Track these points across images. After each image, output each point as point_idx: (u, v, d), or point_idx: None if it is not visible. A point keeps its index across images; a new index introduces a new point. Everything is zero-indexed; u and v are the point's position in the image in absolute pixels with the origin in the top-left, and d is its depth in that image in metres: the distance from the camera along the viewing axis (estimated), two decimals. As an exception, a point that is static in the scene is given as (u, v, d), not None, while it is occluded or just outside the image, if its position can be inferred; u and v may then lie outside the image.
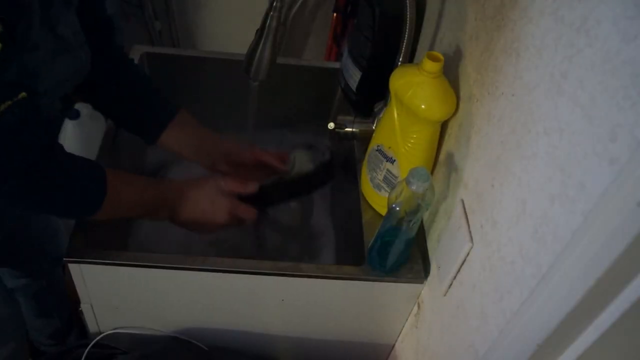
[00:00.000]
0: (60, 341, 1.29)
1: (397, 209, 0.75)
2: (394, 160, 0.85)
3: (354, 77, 0.99)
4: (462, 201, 0.75)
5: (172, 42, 1.71)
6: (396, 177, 0.86)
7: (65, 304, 1.26)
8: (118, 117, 0.93)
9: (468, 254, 0.72)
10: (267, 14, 0.80)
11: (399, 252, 0.81)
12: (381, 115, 0.90)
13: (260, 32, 0.80)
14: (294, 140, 1.23)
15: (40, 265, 1.14)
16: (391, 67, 0.84)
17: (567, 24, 0.52)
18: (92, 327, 0.93)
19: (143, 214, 0.81)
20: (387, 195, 0.78)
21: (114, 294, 0.87)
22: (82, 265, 0.81)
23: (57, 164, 0.70)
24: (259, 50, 0.80)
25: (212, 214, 0.84)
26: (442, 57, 0.75)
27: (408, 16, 0.81)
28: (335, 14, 1.58)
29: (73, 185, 0.71)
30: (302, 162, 1.03)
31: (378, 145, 0.88)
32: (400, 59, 0.86)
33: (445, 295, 0.78)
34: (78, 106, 1.53)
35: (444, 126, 0.83)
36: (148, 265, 0.81)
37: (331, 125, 0.95)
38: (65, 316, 1.28)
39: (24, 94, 0.61)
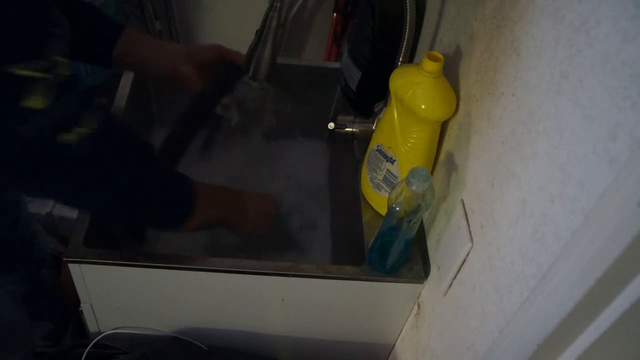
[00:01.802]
0: (55, 343, 1.29)
1: (397, 209, 0.75)
2: (394, 160, 0.85)
3: (354, 77, 0.99)
4: (462, 201, 0.75)
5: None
6: (396, 177, 0.86)
7: (56, 306, 1.25)
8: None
9: (468, 254, 0.72)
10: (267, 14, 0.80)
11: (399, 252, 0.81)
12: (381, 115, 0.90)
13: (260, 32, 0.80)
14: (294, 140, 1.24)
15: (26, 268, 1.13)
16: (391, 67, 0.84)
17: (567, 24, 0.52)
18: (92, 327, 0.93)
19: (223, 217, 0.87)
20: (387, 195, 0.78)
21: (114, 294, 0.87)
22: (82, 265, 0.81)
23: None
24: (258, 50, 0.80)
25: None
26: (442, 57, 0.75)
27: (408, 16, 0.81)
28: (335, 14, 1.58)
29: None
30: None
31: (378, 145, 0.88)
32: (400, 59, 0.85)
33: (445, 295, 0.78)
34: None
35: (444, 126, 0.83)
36: (148, 265, 0.81)
37: (331, 125, 0.95)
38: (57, 318, 1.26)
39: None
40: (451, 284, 0.76)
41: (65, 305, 1.20)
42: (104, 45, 0.89)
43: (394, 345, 1.00)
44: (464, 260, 0.73)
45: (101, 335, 0.93)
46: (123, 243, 1.05)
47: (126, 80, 1.07)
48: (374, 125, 0.93)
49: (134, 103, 1.06)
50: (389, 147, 0.85)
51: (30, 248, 1.10)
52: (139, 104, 1.11)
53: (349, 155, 1.05)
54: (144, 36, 0.91)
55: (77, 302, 0.89)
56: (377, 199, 0.92)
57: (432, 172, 0.87)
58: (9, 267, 1.09)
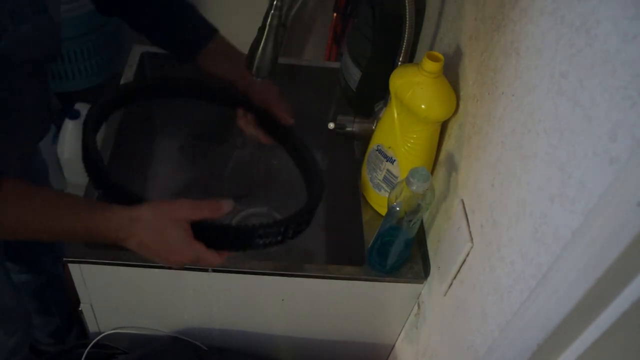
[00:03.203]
0: (60, 340, 1.30)
1: (397, 209, 0.75)
2: (394, 160, 0.85)
3: (354, 77, 0.99)
4: (462, 201, 0.75)
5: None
6: (396, 177, 0.86)
7: (64, 302, 1.26)
8: (151, 37, 0.92)
9: (468, 254, 0.72)
10: (267, 13, 0.80)
11: (399, 252, 0.81)
12: (381, 115, 0.90)
13: (261, 30, 0.80)
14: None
15: (42, 261, 1.14)
16: (391, 67, 0.84)
17: (567, 24, 0.52)
18: (92, 327, 0.93)
19: (82, 239, 0.73)
20: (387, 195, 0.78)
21: (114, 294, 0.87)
22: (82, 265, 0.81)
23: None
24: (260, 47, 0.80)
25: (167, 258, 0.69)
26: (442, 57, 0.75)
27: (408, 16, 0.81)
28: (335, 14, 1.58)
29: None
30: None
31: (378, 145, 0.88)
32: (400, 59, 0.85)
33: (445, 295, 0.78)
34: (78, 106, 1.53)
35: (444, 126, 0.83)
36: (148, 265, 0.81)
37: (331, 125, 0.95)
38: (64, 314, 1.28)
39: None
40: (451, 284, 0.76)
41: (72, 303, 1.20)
42: (191, 47, 0.89)
43: (394, 345, 1.00)
44: (464, 260, 0.73)
45: (101, 335, 0.93)
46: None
47: (126, 81, 1.07)
48: (374, 125, 0.93)
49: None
50: (389, 147, 0.85)
51: (45, 242, 1.11)
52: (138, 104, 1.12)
53: (349, 155, 1.05)
54: (231, 50, 0.91)
55: (77, 302, 0.89)
56: (377, 199, 0.92)
57: (432, 172, 0.87)
58: (28, 256, 1.10)
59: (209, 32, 0.90)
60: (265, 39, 0.79)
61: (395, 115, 0.83)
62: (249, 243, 0.73)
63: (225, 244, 0.72)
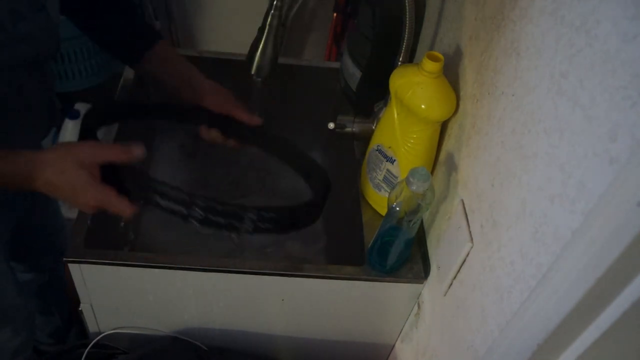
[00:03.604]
0: (60, 340, 1.30)
1: (397, 209, 0.75)
2: (394, 160, 0.85)
3: (354, 77, 0.99)
4: (462, 201, 0.75)
5: (172, 42, 1.71)
6: (396, 177, 0.86)
7: (65, 302, 1.26)
8: (97, 40, 0.94)
9: (468, 254, 0.72)
10: (267, 13, 0.80)
11: (399, 252, 0.81)
12: (381, 115, 0.90)
13: (261, 30, 0.81)
14: (294, 140, 1.24)
15: (44, 260, 1.15)
16: (391, 67, 0.84)
17: (567, 24, 0.52)
18: (92, 327, 0.93)
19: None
20: (387, 195, 0.78)
21: (114, 294, 0.87)
22: (82, 265, 0.81)
23: None
24: (260, 47, 0.80)
25: (75, 200, 0.69)
26: (442, 57, 0.75)
27: (408, 16, 0.81)
28: (335, 14, 1.58)
29: None
30: None
31: (378, 145, 0.88)
32: (400, 59, 0.86)
33: (445, 295, 0.78)
34: (78, 106, 1.54)
35: (444, 126, 0.83)
36: (148, 265, 0.81)
37: (331, 125, 0.95)
38: (65, 314, 1.28)
39: None
40: (451, 284, 0.76)
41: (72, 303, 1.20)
42: (135, 51, 0.90)
43: (394, 345, 1.00)
44: (464, 260, 0.73)
45: (101, 335, 0.93)
46: (123, 243, 1.05)
47: (126, 81, 1.07)
48: (374, 125, 0.93)
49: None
50: (389, 147, 0.85)
51: (47, 241, 1.11)
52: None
53: (349, 155, 1.05)
54: (177, 57, 0.92)
55: (77, 302, 0.89)
56: (377, 199, 0.92)
57: (432, 172, 0.87)
58: (31, 255, 1.10)
59: (153, 36, 0.91)
60: (265, 39, 0.79)
61: (395, 115, 0.83)
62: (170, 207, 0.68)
63: (145, 197, 0.69)
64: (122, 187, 0.69)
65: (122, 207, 0.69)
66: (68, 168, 0.67)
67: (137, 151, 0.69)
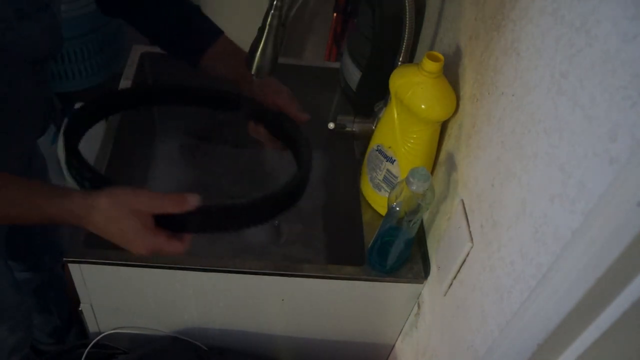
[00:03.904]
0: (59, 340, 1.30)
1: (397, 209, 0.75)
2: (394, 160, 0.85)
3: (354, 77, 0.99)
4: (462, 201, 0.75)
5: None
6: (396, 177, 0.86)
7: (64, 302, 1.26)
8: (154, 39, 0.92)
9: (468, 254, 0.72)
10: (267, 13, 0.80)
11: (399, 252, 0.81)
12: (381, 115, 0.90)
13: (261, 30, 0.80)
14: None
15: (43, 260, 1.15)
16: (391, 67, 0.84)
17: (567, 24, 0.52)
18: (92, 327, 0.93)
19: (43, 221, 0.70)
20: (387, 195, 0.78)
21: (114, 294, 0.87)
22: (82, 265, 0.81)
23: None
24: (260, 47, 0.80)
25: (126, 245, 0.68)
26: (442, 57, 0.75)
27: (408, 16, 0.81)
28: (335, 14, 1.58)
29: None
30: None
31: (378, 145, 0.88)
32: (400, 59, 0.85)
33: (445, 295, 0.78)
34: (78, 106, 1.53)
35: (444, 126, 0.83)
36: (148, 265, 0.81)
37: (331, 125, 0.95)
38: (64, 314, 1.28)
39: None
40: (451, 284, 0.76)
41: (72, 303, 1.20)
42: (195, 49, 0.89)
43: (394, 345, 1.00)
44: (464, 260, 0.73)
45: (101, 335, 0.93)
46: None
47: (126, 82, 1.07)
48: (374, 125, 0.93)
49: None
50: (389, 147, 0.85)
51: (46, 240, 1.11)
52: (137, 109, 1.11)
53: (349, 155, 1.05)
54: (238, 51, 0.90)
55: (77, 301, 0.89)
56: (377, 199, 0.92)
57: (432, 172, 0.87)
58: (30, 255, 1.10)
59: (213, 33, 0.90)
60: (265, 39, 0.79)
61: (395, 115, 0.83)
62: (222, 224, 0.71)
63: (194, 228, 0.70)
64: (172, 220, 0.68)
65: (174, 249, 0.68)
66: (121, 217, 0.65)
67: (192, 201, 0.67)
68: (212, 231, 0.72)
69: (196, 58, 0.89)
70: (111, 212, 0.65)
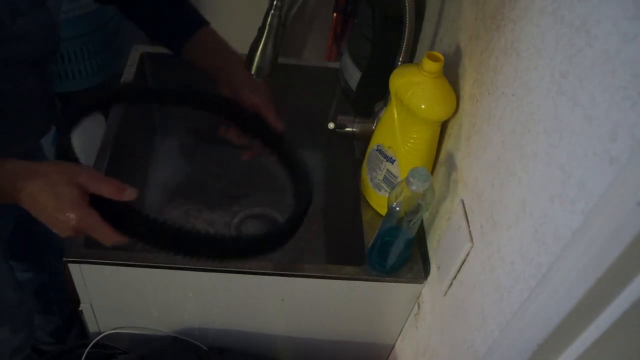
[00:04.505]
0: (60, 340, 1.30)
1: (397, 209, 0.75)
2: (394, 160, 0.85)
3: (354, 77, 0.99)
4: (462, 201, 0.75)
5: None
6: (396, 177, 0.86)
7: (65, 302, 1.26)
8: (142, 26, 0.92)
9: (468, 254, 0.72)
10: (267, 13, 0.80)
11: (399, 252, 0.81)
12: (381, 115, 0.90)
13: (261, 30, 0.80)
14: (294, 140, 1.24)
15: (44, 260, 1.15)
16: (391, 67, 0.84)
17: (567, 24, 0.52)
18: (92, 327, 0.93)
19: None
20: (387, 195, 0.78)
21: (114, 294, 0.87)
22: (82, 265, 0.81)
23: None
24: (260, 47, 0.80)
25: (56, 216, 0.64)
26: (442, 57, 0.75)
27: (408, 16, 0.81)
28: (335, 14, 1.58)
29: None
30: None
31: (378, 145, 0.88)
32: (400, 59, 0.85)
33: (445, 295, 0.78)
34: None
35: (444, 126, 0.83)
36: (148, 265, 0.81)
37: (331, 125, 0.95)
38: (65, 314, 1.28)
39: None
40: (451, 284, 0.76)
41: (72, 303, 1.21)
42: (176, 37, 0.89)
43: (394, 345, 1.00)
44: (464, 260, 0.73)
45: (101, 335, 0.93)
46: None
47: (126, 81, 1.07)
48: (374, 125, 0.93)
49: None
50: (389, 147, 0.85)
51: (47, 239, 1.11)
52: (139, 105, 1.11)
53: (349, 155, 1.05)
54: (220, 44, 0.90)
55: (78, 301, 0.89)
56: (377, 199, 0.92)
57: (432, 172, 0.87)
58: (31, 254, 1.10)
59: (197, 23, 0.89)
60: (265, 39, 0.79)
61: (395, 115, 0.83)
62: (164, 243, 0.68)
63: (136, 233, 0.67)
64: (108, 217, 0.65)
65: (105, 234, 0.65)
66: (61, 182, 0.63)
67: (130, 193, 0.66)
68: (150, 246, 0.69)
69: (178, 47, 0.89)
70: (53, 176, 0.64)
